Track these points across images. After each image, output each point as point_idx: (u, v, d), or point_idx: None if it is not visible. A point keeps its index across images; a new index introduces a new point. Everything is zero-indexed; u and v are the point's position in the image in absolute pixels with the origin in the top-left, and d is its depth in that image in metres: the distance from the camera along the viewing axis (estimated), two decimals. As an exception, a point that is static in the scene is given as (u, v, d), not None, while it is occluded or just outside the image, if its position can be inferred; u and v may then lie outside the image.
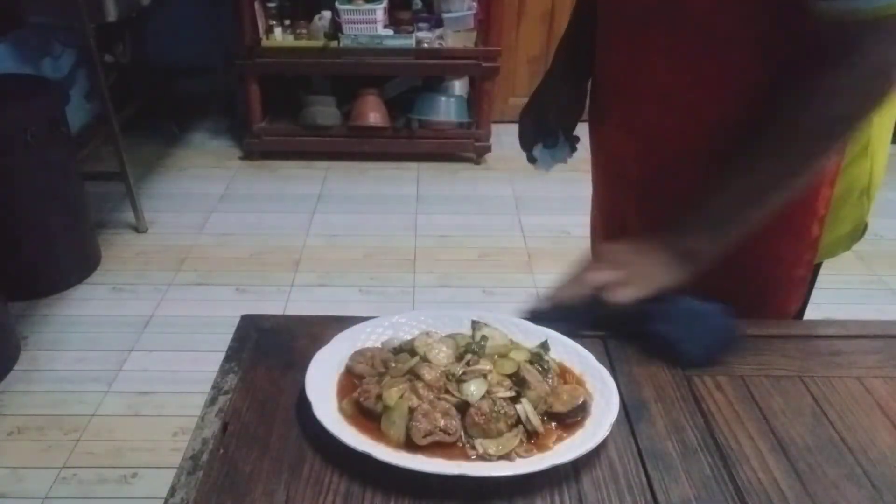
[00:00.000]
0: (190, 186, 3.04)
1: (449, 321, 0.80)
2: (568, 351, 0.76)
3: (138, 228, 2.68)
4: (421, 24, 3.07)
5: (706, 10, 0.78)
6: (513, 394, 0.68)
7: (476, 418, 0.66)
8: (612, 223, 1.07)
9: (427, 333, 0.76)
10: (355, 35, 2.99)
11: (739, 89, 0.81)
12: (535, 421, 0.66)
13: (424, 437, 0.64)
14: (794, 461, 0.66)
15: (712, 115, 0.84)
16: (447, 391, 0.68)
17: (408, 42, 3.03)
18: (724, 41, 0.79)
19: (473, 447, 0.65)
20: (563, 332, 0.79)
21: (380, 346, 0.77)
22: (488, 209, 2.93)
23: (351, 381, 0.72)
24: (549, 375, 0.72)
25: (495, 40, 3.11)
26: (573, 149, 1.10)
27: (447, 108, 3.23)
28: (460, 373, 0.70)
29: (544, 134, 1.07)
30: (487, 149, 3.29)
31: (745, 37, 0.78)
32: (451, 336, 0.76)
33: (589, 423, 0.68)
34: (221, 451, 0.65)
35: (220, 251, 2.60)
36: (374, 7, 2.96)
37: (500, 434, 0.65)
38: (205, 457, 0.65)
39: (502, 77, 3.34)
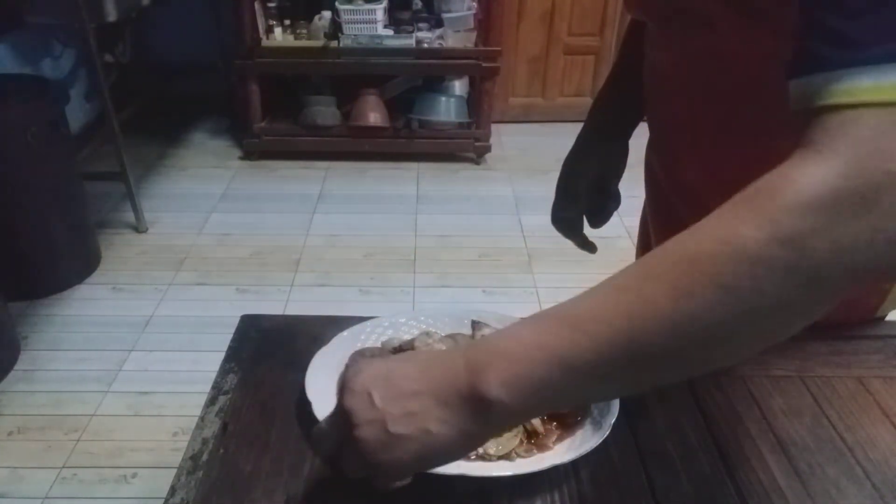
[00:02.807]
0: (190, 186, 3.04)
1: (449, 321, 0.80)
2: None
3: (138, 228, 2.68)
4: (421, 24, 3.08)
5: None
6: (513, 394, 0.68)
7: (476, 418, 0.65)
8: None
9: (427, 333, 0.76)
10: (355, 35, 2.99)
11: None
12: (535, 421, 0.66)
13: (424, 437, 0.64)
14: (794, 461, 0.66)
15: None
16: (447, 391, 0.68)
17: (408, 42, 3.03)
18: None
19: (473, 447, 0.65)
20: None
21: (380, 346, 0.77)
22: (488, 209, 2.93)
23: (351, 381, 0.72)
24: (549, 375, 0.72)
25: (495, 40, 3.12)
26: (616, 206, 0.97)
27: (447, 108, 3.23)
28: (460, 373, 0.70)
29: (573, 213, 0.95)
30: (487, 149, 3.29)
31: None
32: (451, 336, 0.76)
33: (589, 423, 0.68)
34: (221, 451, 0.65)
35: (220, 251, 2.60)
36: (374, 7, 2.96)
37: (499, 434, 0.65)
38: (205, 457, 0.65)
39: (502, 77, 3.34)
